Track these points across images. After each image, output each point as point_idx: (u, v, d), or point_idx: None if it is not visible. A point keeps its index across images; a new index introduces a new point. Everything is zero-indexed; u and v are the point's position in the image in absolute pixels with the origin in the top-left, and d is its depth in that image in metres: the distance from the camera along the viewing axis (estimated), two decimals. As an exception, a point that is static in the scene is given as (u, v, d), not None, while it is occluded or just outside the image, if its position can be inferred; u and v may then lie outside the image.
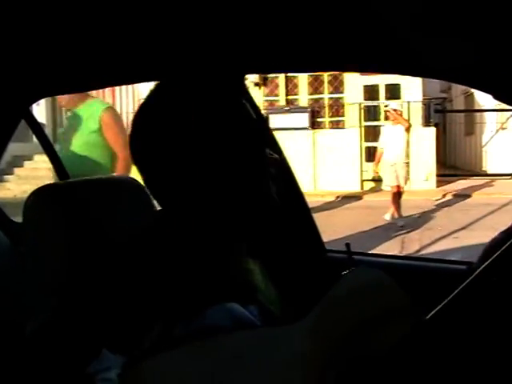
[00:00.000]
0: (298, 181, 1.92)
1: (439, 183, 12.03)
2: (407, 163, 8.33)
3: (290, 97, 13.42)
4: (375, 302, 0.76)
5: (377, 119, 12.72)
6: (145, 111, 0.96)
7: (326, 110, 13.34)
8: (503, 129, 14.26)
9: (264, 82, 13.00)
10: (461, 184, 12.10)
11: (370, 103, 12.80)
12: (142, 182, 1.33)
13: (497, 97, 1.27)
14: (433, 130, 12.14)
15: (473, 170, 14.50)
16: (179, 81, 0.96)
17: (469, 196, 10.87)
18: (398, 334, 0.75)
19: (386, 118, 10.44)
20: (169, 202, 0.95)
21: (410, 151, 8.39)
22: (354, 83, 12.75)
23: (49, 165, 2.15)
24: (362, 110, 12.58)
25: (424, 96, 13.08)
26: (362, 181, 12.25)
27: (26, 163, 12.51)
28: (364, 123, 12.54)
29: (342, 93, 13.19)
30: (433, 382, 0.77)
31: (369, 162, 12.32)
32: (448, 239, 7.00)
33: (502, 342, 0.81)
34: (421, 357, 0.76)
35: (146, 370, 0.73)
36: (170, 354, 0.74)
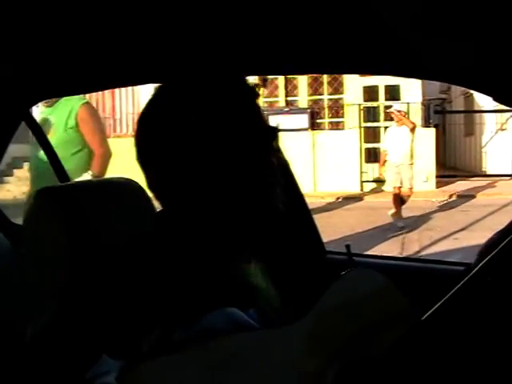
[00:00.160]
0: (298, 182, 1.92)
1: (439, 184, 12.02)
2: (412, 164, 8.31)
3: (289, 98, 13.42)
4: (372, 304, 0.76)
5: (376, 120, 12.73)
6: (150, 112, 0.95)
7: (326, 111, 13.34)
8: (503, 130, 14.25)
9: (264, 84, 12.98)
10: (462, 185, 12.08)
11: (369, 104, 12.80)
12: (141, 183, 1.33)
13: (497, 98, 1.27)
14: (432, 130, 12.14)
15: (472, 170, 14.49)
16: (184, 82, 0.96)
17: (473, 197, 10.86)
18: (395, 335, 0.75)
19: (390, 119, 10.43)
20: (172, 203, 0.95)
21: (413, 152, 8.34)
22: (354, 84, 12.75)
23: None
24: (362, 111, 12.57)
25: (423, 97, 13.08)
26: (362, 182, 12.25)
27: (26, 165, 12.50)
28: (364, 124, 12.54)
29: (341, 94, 13.19)
30: (429, 382, 0.77)
31: (368, 163, 12.33)
32: (448, 240, 7.00)
33: (498, 341, 0.81)
34: (417, 357, 0.76)
35: (144, 373, 0.73)
36: (168, 356, 0.74)
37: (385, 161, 8.47)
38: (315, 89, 13.33)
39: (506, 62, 1.11)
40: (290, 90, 13.43)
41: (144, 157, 0.95)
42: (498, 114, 13.76)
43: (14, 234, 1.88)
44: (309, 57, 1.33)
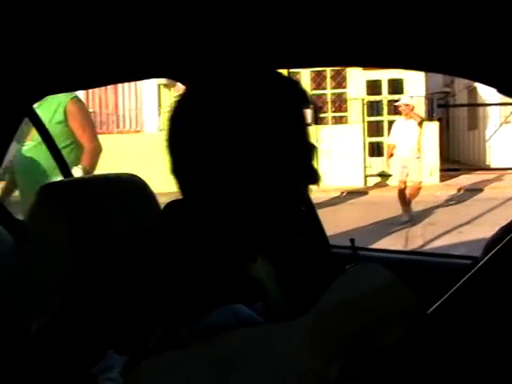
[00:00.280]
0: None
1: (443, 178, 12.00)
2: (419, 158, 8.28)
3: (292, 92, 13.39)
4: (377, 299, 0.76)
5: (380, 114, 12.70)
6: (189, 100, 0.94)
7: (329, 105, 13.32)
8: (507, 123, 14.22)
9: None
10: (468, 179, 12.04)
11: (372, 98, 12.77)
12: (145, 178, 1.33)
13: (501, 90, 1.27)
14: (436, 124, 12.11)
15: (476, 164, 14.46)
16: (217, 76, 0.95)
17: (481, 190, 10.82)
18: (401, 331, 0.74)
19: (394, 113, 10.38)
20: (193, 191, 0.93)
21: (420, 146, 8.33)
22: (357, 78, 12.72)
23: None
24: (365, 106, 12.55)
25: (427, 91, 13.05)
26: (366, 176, 12.23)
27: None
28: (367, 118, 12.51)
29: (344, 88, 13.16)
30: (434, 377, 0.76)
31: (372, 158, 12.31)
32: (452, 234, 6.99)
33: (503, 337, 0.81)
34: (423, 352, 0.76)
35: (148, 369, 0.73)
36: (173, 352, 0.74)
37: (391, 154, 8.46)
38: (318, 83, 13.30)
39: (510, 53, 1.11)
40: (293, 84, 13.40)
41: (175, 141, 0.94)
42: (502, 108, 13.72)
43: (18, 231, 1.89)
44: (312, 50, 1.33)
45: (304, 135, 0.95)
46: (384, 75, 12.51)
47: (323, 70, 12.93)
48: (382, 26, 1.09)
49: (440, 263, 1.87)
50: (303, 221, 0.94)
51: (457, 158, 16.59)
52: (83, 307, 0.82)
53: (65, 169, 2.14)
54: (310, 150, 0.95)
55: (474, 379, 0.77)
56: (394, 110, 12.41)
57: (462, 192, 10.74)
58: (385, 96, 12.74)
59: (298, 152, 0.92)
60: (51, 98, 3.21)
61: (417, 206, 8.32)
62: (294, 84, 0.96)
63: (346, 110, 13.15)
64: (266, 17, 1.06)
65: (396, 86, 12.67)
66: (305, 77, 13.18)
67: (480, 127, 14.93)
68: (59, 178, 3.17)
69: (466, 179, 12.01)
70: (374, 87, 12.86)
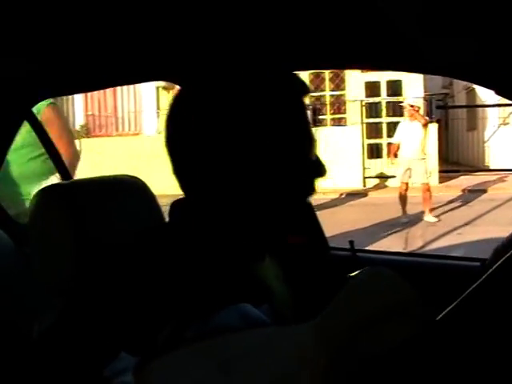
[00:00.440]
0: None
1: (442, 179, 12.00)
2: (424, 159, 8.23)
3: (291, 94, 13.39)
4: (385, 303, 0.76)
5: (378, 116, 12.70)
6: (186, 98, 0.93)
7: (328, 107, 13.33)
8: (505, 124, 14.23)
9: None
10: (470, 179, 12.02)
11: (371, 100, 12.78)
12: (145, 180, 1.33)
13: (500, 92, 1.27)
14: (435, 126, 12.11)
15: (475, 165, 14.46)
16: (213, 74, 0.94)
17: (484, 191, 10.80)
18: (407, 333, 0.74)
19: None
20: (196, 192, 0.92)
21: (425, 147, 8.29)
22: (356, 80, 12.73)
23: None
24: (364, 107, 12.55)
25: (425, 92, 13.06)
26: (365, 178, 12.24)
27: None
28: (366, 120, 12.51)
29: (343, 90, 13.17)
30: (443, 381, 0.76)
31: (371, 159, 12.31)
32: (452, 235, 6.99)
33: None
34: (431, 358, 0.75)
35: (157, 369, 0.74)
36: (182, 352, 0.75)
37: (395, 153, 8.45)
38: (317, 85, 13.31)
39: (508, 54, 1.11)
40: (292, 86, 13.40)
41: (173, 145, 0.93)
42: (501, 109, 13.73)
43: (18, 234, 1.89)
44: (310, 52, 1.33)
45: (306, 126, 0.94)
46: (382, 77, 12.52)
47: (322, 72, 12.94)
48: (381, 27, 1.09)
49: (440, 265, 1.87)
50: (305, 219, 0.93)
51: (456, 159, 16.59)
52: (86, 308, 0.81)
53: (64, 171, 2.14)
54: (312, 141, 0.94)
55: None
56: (393, 111, 12.47)
57: (464, 193, 10.70)
58: (383, 98, 12.75)
59: (301, 144, 0.91)
60: None
61: (418, 207, 8.31)
62: (291, 75, 0.95)
63: (344, 112, 13.16)
64: (266, 20, 1.06)
65: (395, 88, 12.68)
66: (303, 78, 13.16)
67: (479, 128, 14.94)
68: (34, 185, 3.14)
69: (465, 180, 12.01)
70: (372, 89, 12.86)
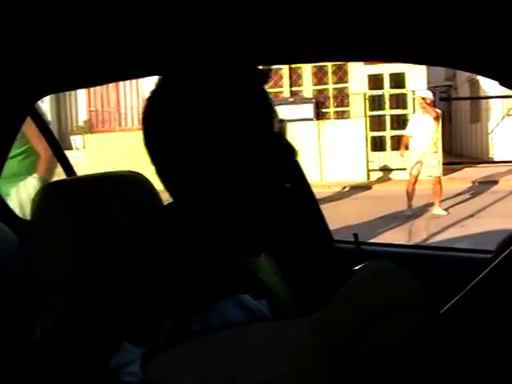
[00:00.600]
0: (305, 172, 1.91)
1: (445, 171, 11.97)
2: (436, 152, 8.17)
3: (294, 88, 13.37)
4: (388, 296, 0.76)
5: (382, 109, 12.67)
6: (157, 100, 0.94)
7: (331, 100, 13.29)
8: (509, 115, 14.17)
9: (268, 74, 12.94)
10: (470, 172, 11.98)
11: (374, 93, 12.74)
12: (149, 176, 1.33)
13: (503, 83, 1.26)
14: (438, 118, 12.07)
15: (479, 157, 14.42)
16: (189, 70, 0.95)
17: (495, 182, 10.75)
18: (411, 327, 0.74)
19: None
20: (181, 194, 0.94)
21: (437, 140, 8.22)
22: (359, 73, 12.69)
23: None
24: (367, 100, 12.52)
25: (428, 84, 13.01)
26: (368, 171, 12.22)
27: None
28: (369, 113, 12.48)
29: (346, 83, 13.13)
30: (445, 378, 0.76)
31: (374, 152, 12.29)
32: (456, 227, 6.98)
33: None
34: (435, 351, 0.75)
35: (163, 363, 0.74)
36: (187, 346, 0.75)
37: (406, 145, 8.41)
38: (320, 78, 13.28)
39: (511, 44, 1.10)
40: (295, 80, 13.38)
41: (152, 145, 0.94)
42: (505, 100, 13.68)
43: (22, 230, 1.89)
44: (313, 45, 1.33)
45: (270, 110, 0.94)
46: (385, 69, 12.48)
47: (324, 65, 12.91)
48: (381, 18, 1.08)
49: (444, 257, 1.87)
50: (291, 207, 0.94)
51: (459, 151, 16.55)
52: (89, 303, 0.82)
53: (68, 167, 2.14)
54: (273, 123, 0.94)
55: (485, 378, 0.77)
56: (397, 103, 12.43)
57: (474, 185, 10.64)
58: (387, 90, 12.71)
59: (267, 130, 0.92)
60: None
61: (422, 199, 8.29)
62: (250, 66, 0.97)
63: (347, 105, 13.12)
64: (265, 11, 1.06)
65: (398, 80, 12.64)
66: (306, 72, 13.16)
67: (482, 120, 14.89)
68: (11, 185, 3.11)
69: (469, 172, 11.97)
70: (375, 81, 12.82)
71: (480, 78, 11.97)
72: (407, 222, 7.61)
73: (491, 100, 14.00)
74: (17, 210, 2.73)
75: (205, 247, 0.89)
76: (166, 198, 1.31)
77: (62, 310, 0.85)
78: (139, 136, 0.97)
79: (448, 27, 1.09)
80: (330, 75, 13.21)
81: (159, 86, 0.95)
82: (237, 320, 0.81)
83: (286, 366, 0.73)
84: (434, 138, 8.11)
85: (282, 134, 0.94)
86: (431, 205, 8.27)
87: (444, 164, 12.03)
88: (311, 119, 12.31)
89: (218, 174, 0.89)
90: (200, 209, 0.92)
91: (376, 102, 12.67)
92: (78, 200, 1.18)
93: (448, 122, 15.98)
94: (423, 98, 8.18)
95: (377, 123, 12.58)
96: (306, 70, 13.12)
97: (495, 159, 13.67)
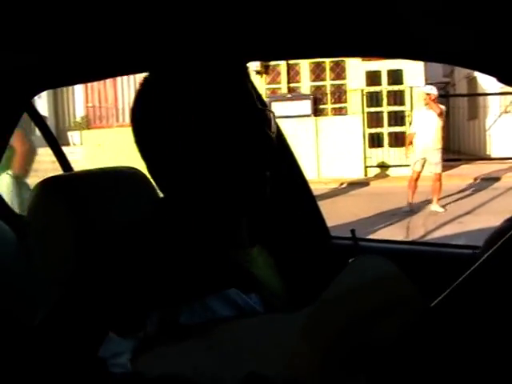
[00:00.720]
0: (302, 168, 1.92)
1: (443, 168, 11.97)
2: (440, 149, 8.14)
3: (291, 84, 13.37)
4: (379, 292, 0.76)
5: (379, 105, 12.67)
6: (145, 97, 0.96)
7: (329, 96, 13.29)
8: (507, 112, 14.19)
9: (265, 70, 12.95)
10: (467, 168, 11.98)
11: (372, 89, 12.74)
12: (146, 172, 1.33)
13: (501, 79, 1.26)
14: (436, 114, 12.07)
15: (477, 154, 14.43)
16: (174, 67, 0.96)
17: (498, 179, 10.75)
18: (403, 323, 0.74)
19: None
20: (171, 188, 0.96)
21: (441, 137, 8.18)
22: (356, 69, 12.69)
23: (52, 157, 2.15)
24: (365, 97, 12.52)
25: (426, 81, 13.01)
26: (366, 167, 12.24)
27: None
28: (367, 109, 12.49)
29: (344, 79, 13.13)
30: (438, 373, 0.76)
31: (372, 149, 12.30)
32: (453, 224, 7.00)
33: (506, 331, 0.80)
34: (426, 346, 0.75)
35: (153, 357, 0.74)
36: (176, 340, 0.75)
37: (410, 142, 8.39)
38: (317, 75, 13.27)
39: (510, 40, 1.10)
40: (292, 76, 13.38)
41: (142, 142, 0.96)
42: (502, 97, 13.68)
43: (19, 226, 1.89)
44: (311, 41, 1.33)
45: (252, 99, 0.94)
46: (383, 66, 12.48)
47: (322, 62, 12.90)
48: (380, 13, 1.08)
49: (440, 253, 1.87)
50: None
51: (457, 148, 16.56)
52: (81, 294, 0.83)
53: (65, 163, 2.14)
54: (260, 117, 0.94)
55: (477, 374, 0.77)
56: (394, 100, 12.43)
57: (475, 182, 10.63)
58: (384, 87, 12.72)
59: (252, 121, 0.92)
60: None
61: (420, 196, 8.29)
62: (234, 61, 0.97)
63: (345, 101, 13.12)
64: (263, 6, 1.06)
65: (395, 77, 12.64)
66: (304, 68, 13.15)
67: (480, 117, 14.90)
68: None
69: (466, 169, 11.98)
70: (373, 78, 12.82)
71: (478, 74, 11.98)
72: (405, 218, 7.62)
73: (489, 97, 14.01)
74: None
75: (193, 241, 0.90)
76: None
77: (56, 300, 0.86)
78: (135, 132, 0.98)
79: (446, 23, 1.09)
80: (327, 71, 13.20)
81: (146, 83, 0.96)
82: (224, 316, 0.81)
83: (279, 360, 0.73)
84: (438, 135, 8.07)
85: (266, 123, 0.94)
86: (429, 201, 8.28)
87: (442, 161, 12.07)
88: (309, 115, 12.32)
89: (207, 166, 0.89)
90: (191, 202, 0.93)
91: (374, 99, 12.68)
92: (76, 195, 1.18)
93: (446, 119, 15.98)
94: (428, 94, 8.13)
95: (374, 120, 12.59)
96: (304, 66, 13.11)
97: (493, 156, 13.68)
